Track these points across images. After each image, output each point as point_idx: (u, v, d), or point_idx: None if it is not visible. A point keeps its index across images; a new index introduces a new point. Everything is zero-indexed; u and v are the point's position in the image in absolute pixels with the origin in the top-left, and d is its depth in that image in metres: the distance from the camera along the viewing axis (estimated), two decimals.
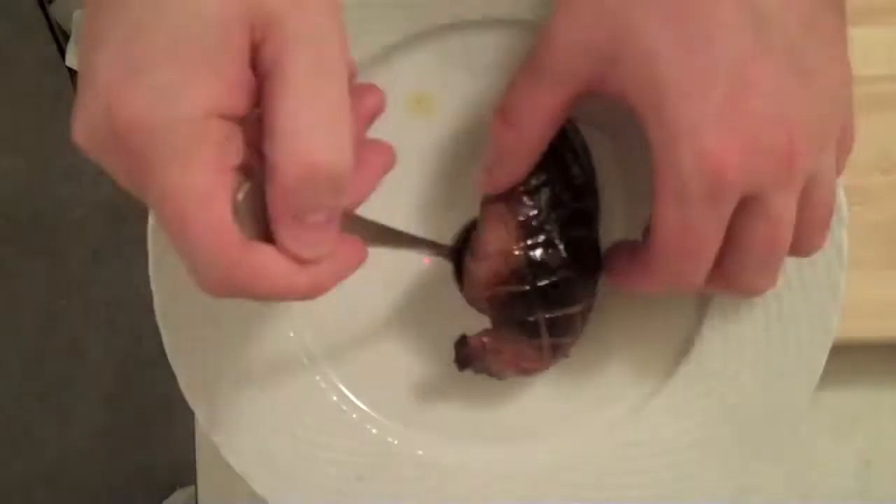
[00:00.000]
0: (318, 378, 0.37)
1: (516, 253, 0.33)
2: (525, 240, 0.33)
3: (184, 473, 1.25)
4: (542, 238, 0.33)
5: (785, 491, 0.42)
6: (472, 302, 0.36)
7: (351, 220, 0.29)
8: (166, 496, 1.11)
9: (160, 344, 0.35)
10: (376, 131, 0.38)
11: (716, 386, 0.36)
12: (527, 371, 0.35)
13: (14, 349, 1.29)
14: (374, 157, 0.30)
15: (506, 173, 0.32)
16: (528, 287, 0.33)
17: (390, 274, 0.38)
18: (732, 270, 0.28)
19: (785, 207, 0.27)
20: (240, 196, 0.23)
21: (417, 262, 0.38)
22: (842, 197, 0.35)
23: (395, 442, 0.37)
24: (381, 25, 0.37)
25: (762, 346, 0.36)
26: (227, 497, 0.42)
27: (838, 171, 0.29)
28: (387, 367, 0.38)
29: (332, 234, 0.25)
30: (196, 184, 0.22)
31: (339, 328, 0.38)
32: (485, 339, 0.35)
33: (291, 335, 0.37)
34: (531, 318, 0.33)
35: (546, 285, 0.33)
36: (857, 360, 0.42)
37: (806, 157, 0.26)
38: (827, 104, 0.27)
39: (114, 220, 1.32)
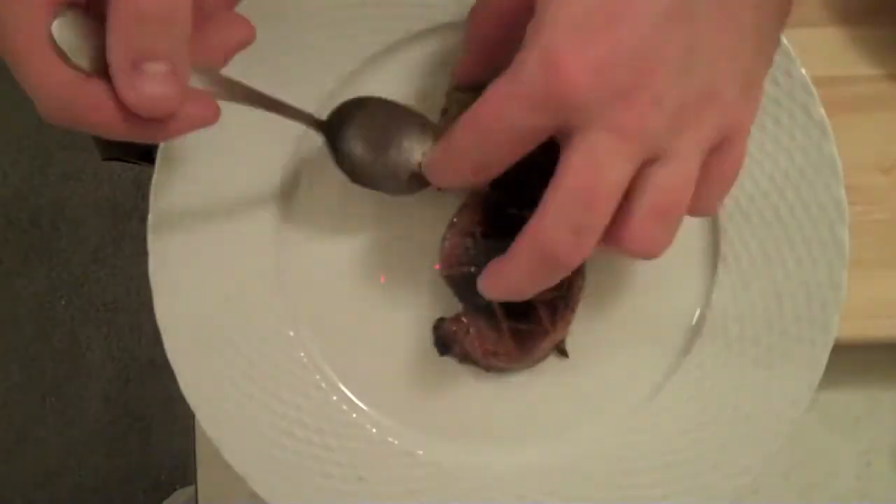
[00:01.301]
0: (317, 378, 0.37)
1: (472, 234, 0.35)
2: (486, 224, 0.34)
3: (184, 473, 1.25)
4: (505, 225, 0.35)
5: (785, 491, 0.42)
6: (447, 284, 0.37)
7: (218, 82, 0.29)
8: (166, 496, 1.11)
9: (160, 344, 0.35)
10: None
11: (716, 386, 0.36)
12: (498, 356, 0.36)
13: (14, 349, 1.29)
14: (230, 28, 0.30)
15: (467, 63, 0.33)
16: (477, 265, 0.35)
17: (392, 274, 0.38)
18: (541, 220, 0.26)
19: (609, 156, 0.25)
20: (54, 27, 0.23)
21: (420, 263, 0.38)
22: (842, 196, 0.35)
23: (395, 442, 0.37)
24: (381, 24, 0.37)
25: (762, 346, 0.36)
26: (227, 497, 0.42)
27: (711, 198, 0.28)
28: (387, 367, 0.38)
29: (172, 88, 0.24)
30: (22, 25, 0.23)
31: (338, 328, 0.38)
32: (457, 321, 0.36)
33: (291, 335, 0.37)
34: (484, 300, 0.35)
35: None
36: (857, 360, 0.42)
37: (650, 116, 0.25)
38: (701, 87, 0.25)
39: (114, 220, 1.32)
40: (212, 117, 0.27)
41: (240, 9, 0.36)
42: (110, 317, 1.31)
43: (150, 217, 0.36)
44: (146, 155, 0.84)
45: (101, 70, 0.24)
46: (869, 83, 0.41)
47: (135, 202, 1.32)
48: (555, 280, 0.27)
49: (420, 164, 0.33)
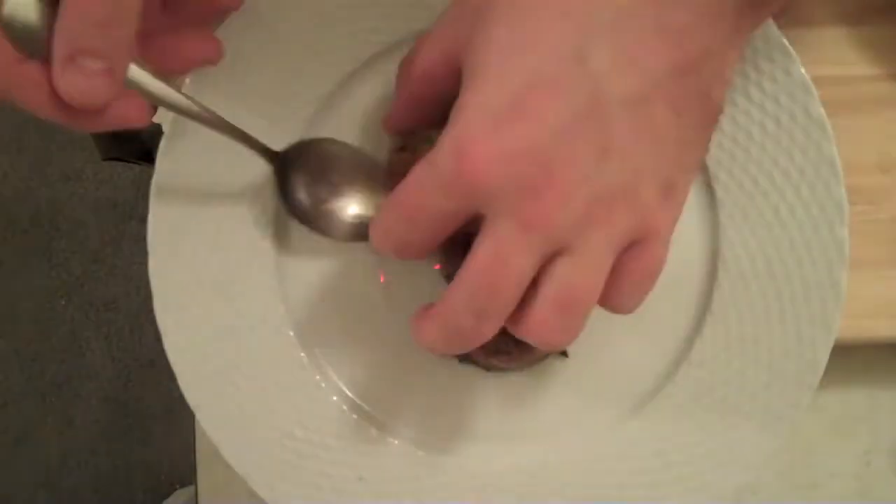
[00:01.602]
0: (318, 378, 0.37)
1: (472, 234, 0.35)
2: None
3: (184, 473, 1.25)
4: None
5: (785, 491, 0.42)
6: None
7: (163, 83, 0.29)
8: (166, 496, 1.11)
9: (160, 344, 0.35)
10: (375, 127, 0.38)
11: (716, 386, 0.36)
12: (498, 356, 0.36)
13: (14, 349, 1.29)
14: (198, 44, 0.31)
15: (395, 114, 0.34)
16: None
17: (392, 274, 0.38)
18: (449, 300, 0.27)
19: (514, 247, 0.25)
20: (7, 9, 0.25)
21: (420, 263, 0.38)
22: (842, 196, 0.35)
23: (395, 442, 0.37)
24: (381, 24, 0.37)
25: (762, 346, 0.36)
26: (227, 497, 0.42)
27: (628, 296, 0.28)
28: (387, 367, 0.38)
29: (103, 85, 0.26)
30: None
31: (338, 328, 0.38)
32: None
33: (291, 335, 0.37)
34: None
35: None
36: (857, 360, 0.42)
37: (555, 213, 0.25)
38: (613, 187, 0.26)
39: (114, 220, 1.32)
40: (140, 119, 0.28)
41: (237, 10, 0.36)
42: (110, 317, 1.31)
43: (150, 217, 0.36)
44: (146, 155, 0.84)
45: (47, 54, 0.26)
46: (869, 83, 0.41)
47: (135, 202, 1.32)
48: (464, 350, 0.28)
49: (357, 217, 0.34)
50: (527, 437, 0.37)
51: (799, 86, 0.35)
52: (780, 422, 0.35)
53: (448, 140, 0.25)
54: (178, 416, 1.24)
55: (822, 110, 0.35)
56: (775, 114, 0.36)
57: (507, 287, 0.26)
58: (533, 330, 0.27)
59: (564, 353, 0.37)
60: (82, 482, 1.27)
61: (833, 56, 0.41)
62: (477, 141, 0.25)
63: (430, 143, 0.34)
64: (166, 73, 0.30)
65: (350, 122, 0.38)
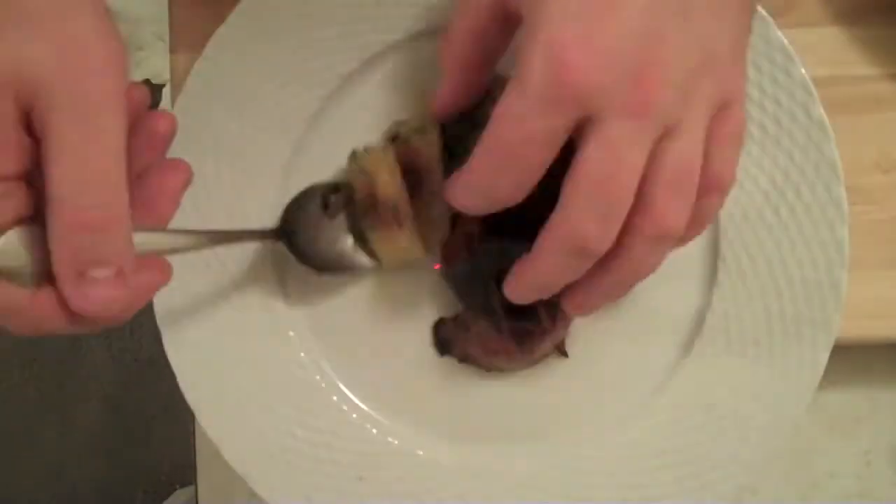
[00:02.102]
0: (318, 378, 0.37)
1: (472, 234, 0.35)
2: (486, 224, 0.35)
3: (184, 473, 1.25)
4: (504, 225, 0.34)
5: (785, 491, 0.42)
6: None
7: (166, 233, 0.29)
8: (166, 496, 1.11)
9: (160, 344, 0.35)
10: (375, 126, 0.38)
11: (716, 386, 0.36)
12: (498, 356, 0.36)
13: (14, 349, 1.29)
14: (170, 180, 0.29)
15: (447, 91, 0.32)
16: (477, 264, 0.35)
17: (391, 275, 0.38)
18: (565, 212, 0.26)
19: (626, 142, 0.25)
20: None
21: (419, 263, 0.38)
22: (842, 196, 0.35)
23: (395, 442, 0.37)
24: (381, 24, 0.37)
25: (763, 347, 0.36)
26: (227, 497, 0.42)
27: (725, 161, 0.28)
28: (387, 367, 0.38)
29: (119, 289, 0.25)
30: None
31: (339, 328, 0.38)
32: (457, 321, 0.36)
33: (291, 335, 0.37)
34: (484, 300, 0.35)
35: (500, 266, 0.34)
36: (857, 360, 0.42)
37: (661, 92, 0.25)
38: (699, 54, 0.25)
39: None
40: (169, 275, 0.28)
41: (238, 10, 0.36)
42: None
43: None
44: None
45: (50, 274, 0.24)
46: (869, 83, 0.41)
47: None
48: (583, 271, 0.27)
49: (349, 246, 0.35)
50: (527, 437, 0.37)
51: (799, 86, 0.35)
52: (780, 422, 0.35)
53: (539, 53, 0.24)
54: (178, 417, 1.24)
55: (822, 111, 0.35)
56: (775, 114, 0.36)
57: (628, 182, 0.25)
58: (659, 220, 0.26)
59: (564, 353, 0.37)
60: (82, 482, 1.27)
61: (833, 56, 0.41)
62: (569, 45, 0.24)
63: (421, 132, 0.34)
64: (159, 220, 0.29)
65: (350, 123, 0.38)
